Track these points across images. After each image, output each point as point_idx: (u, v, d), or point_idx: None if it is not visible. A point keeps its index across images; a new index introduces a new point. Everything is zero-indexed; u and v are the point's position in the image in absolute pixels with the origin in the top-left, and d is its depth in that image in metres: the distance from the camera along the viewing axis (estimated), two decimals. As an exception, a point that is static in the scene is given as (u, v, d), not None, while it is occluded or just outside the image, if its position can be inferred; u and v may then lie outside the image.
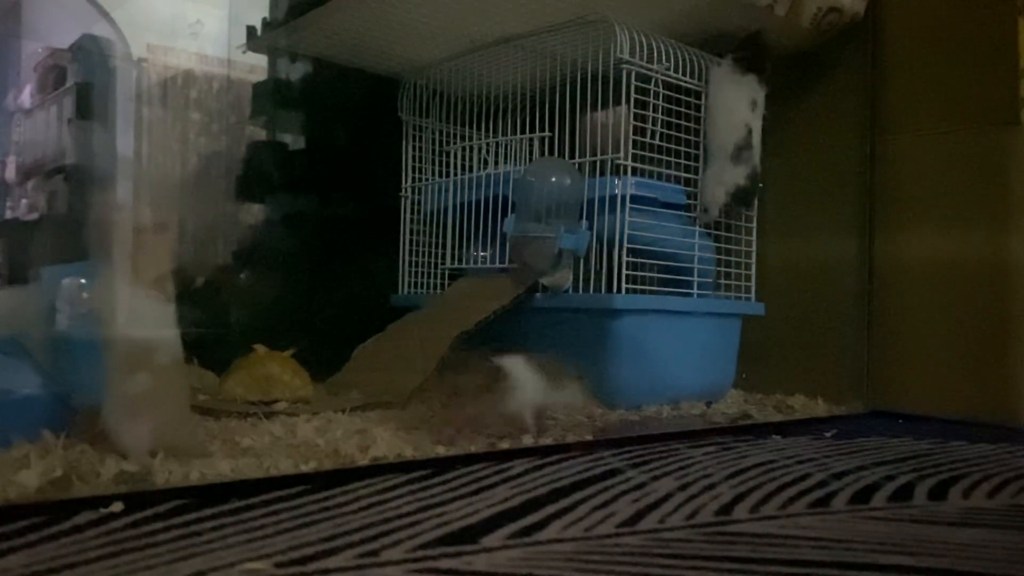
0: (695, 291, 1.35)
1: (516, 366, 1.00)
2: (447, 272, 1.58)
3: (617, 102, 1.28)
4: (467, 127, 1.65)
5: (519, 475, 0.82)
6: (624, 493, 0.76)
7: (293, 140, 1.96)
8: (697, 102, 1.36)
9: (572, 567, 0.55)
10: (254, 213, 1.95)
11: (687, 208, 1.39)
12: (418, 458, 0.86)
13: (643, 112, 1.28)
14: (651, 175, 1.33)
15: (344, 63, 1.59)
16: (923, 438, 1.13)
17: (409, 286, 1.62)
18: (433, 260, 1.62)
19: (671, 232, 1.33)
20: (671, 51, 1.32)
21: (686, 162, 1.37)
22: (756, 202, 1.44)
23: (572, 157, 1.36)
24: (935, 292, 1.35)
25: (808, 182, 1.51)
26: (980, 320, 1.30)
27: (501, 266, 1.39)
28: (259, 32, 1.60)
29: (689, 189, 1.39)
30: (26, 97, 2.10)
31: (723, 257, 1.42)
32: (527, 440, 0.97)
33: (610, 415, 1.20)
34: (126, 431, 0.78)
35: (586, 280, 1.30)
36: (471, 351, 1.14)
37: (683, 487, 0.79)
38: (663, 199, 1.35)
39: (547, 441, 0.98)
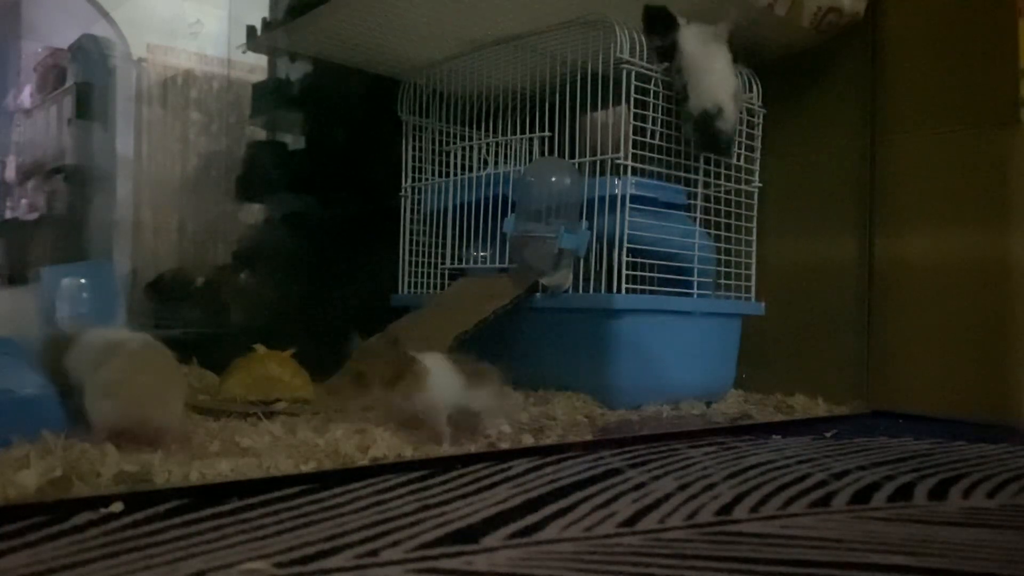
0: (695, 291, 1.35)
1: (434, 364, 0.94)
2: (447, 272, 1.58)
3: (617, 102, 1.28)
4: (467, 127, 1.65)
5: (519, 475, 0.82)
6: (624, 493, 0.76)
7: (293, 140, 1.96)
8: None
9: (572, 567, 0.55)
10: (254, 213, 1.95)
11: (687, 208, 1.39)
12: (418, 458, 0.86)
13: (643, 112, 1.28)
14: (651, 175, 1.33)
15: (344, 63, 1.59)
16: (923, 438, 1.13)
17: (409, 286, 1.62)
18: (433, 260, 1.62)
19: (671, 232, 1.33)
20: (671, 51, 1.32)
21: (686, 162, 1.37)
22: (756, 203, 1.44)
23: (572, 157, 1.36)
24: (935, 292, 1.35)
25: (808, 182, 1.51)
26: (980, 320, 1.30)
27: (501, 266, 1.39)
28: (259, 32, 1.60)
29: (689, 189, 1.39)
30: (26, 97, 2.10)
31: (723, 257, 1.42)
32: (446, 448, 0.92)
33: (610, 415, 1.20)
34: (96, 410, 0.80)
35: (586, 280, 1.30)
36: (379, 336, 1.04)
37: (683, 487, 0.79)
38: (663, 199, 1.35)
39: (505, 445, 0.95)
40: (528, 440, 0.97)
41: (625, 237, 1.25)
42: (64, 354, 0.86)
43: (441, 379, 0.94)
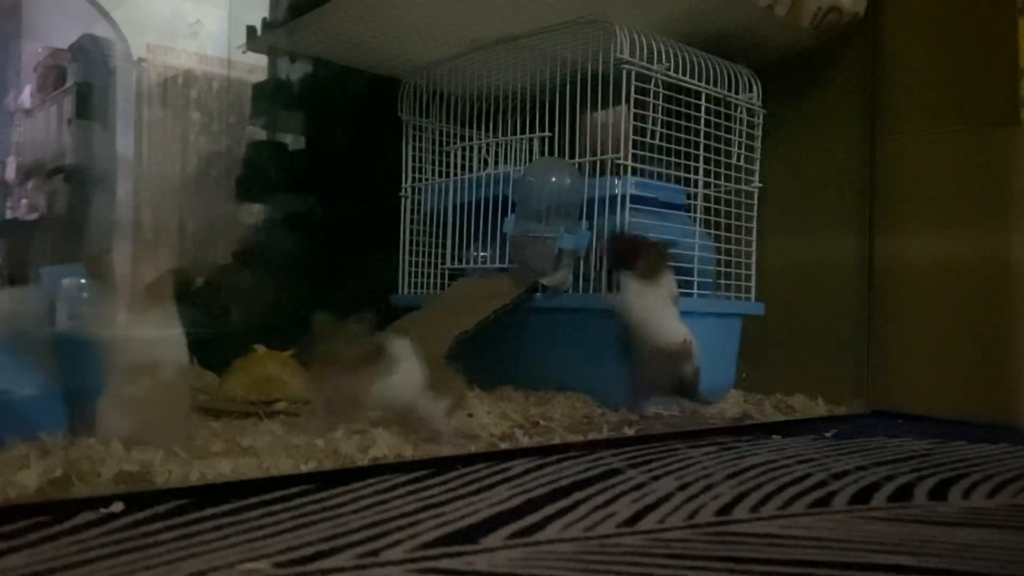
0: (695, 291, 1.35)
1: (404, 351, 0.92)
2: (447, 272, 1.58)
3: (617, 102, 1.28)
4: (467, 127, 1.65)
5: (519, 475, 0.82)
6: (624, 493, 0.76)
7: (293, 140, 1.96)
8: (697, 102, 1.36)
9: (572, 567, 0.55)
10: (254, 213, 1.95)
11: (687, 208, 1.39)
12: (418, 458, 0.86)
13: (643, 112, 1.28)
14: (651, 175, 1.33)
15: (344, 63, 1.59)
16: (923, 438, 1.13)
17: (409, 286, 1.62)
18: (433, 260, 1.62)
19: (671, 232, 1.33)
20: (671, 51, 1.32)
21: (686, 162, 1.37)
22: (756, 203, 1.44)
23: (572, 157, 1.36)
24: (935, 292, 1.35)
25: (808, 182, 1.51)
26: (980, 320, 1.30)
27: (501, 266, 1.39)
28: (259, 32, 1.60)
29: (689, 189, 1.38)
30: (26, 97, 2.10)
31: (723, 257, 1.42)
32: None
33: (610, 415, 1.20)
34: (108, 419, 0.80)
35: (586, 280, 1.30)
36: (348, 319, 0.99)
37: (683, 487, 0.79)
38: (663, 199, 1.34)
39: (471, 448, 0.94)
40: (526, 440, 0.97)
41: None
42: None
43: (408, 369, 0.93)
